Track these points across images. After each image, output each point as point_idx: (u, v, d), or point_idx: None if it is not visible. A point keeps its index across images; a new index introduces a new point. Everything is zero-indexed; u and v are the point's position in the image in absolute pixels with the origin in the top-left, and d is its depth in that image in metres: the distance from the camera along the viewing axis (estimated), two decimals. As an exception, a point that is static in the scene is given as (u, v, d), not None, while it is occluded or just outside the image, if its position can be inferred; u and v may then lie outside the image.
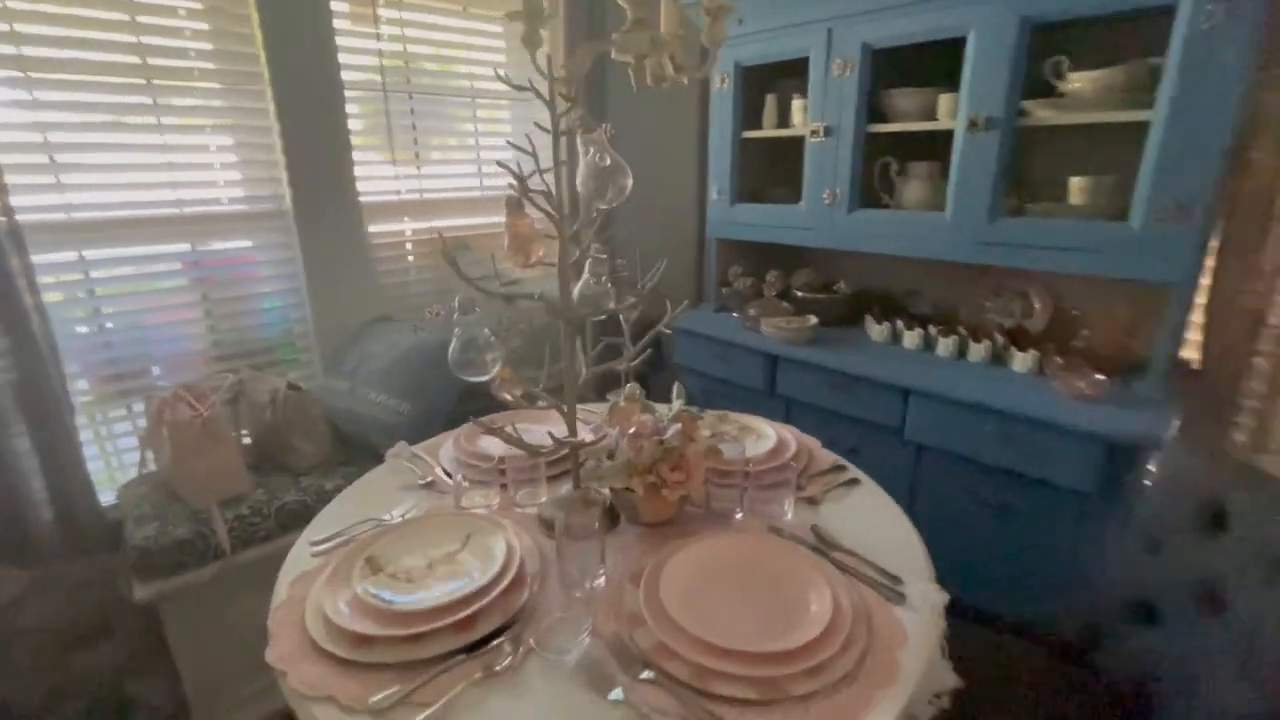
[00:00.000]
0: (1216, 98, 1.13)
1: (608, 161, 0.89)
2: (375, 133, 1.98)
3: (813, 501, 1.09)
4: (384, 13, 1.88)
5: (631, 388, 1.05)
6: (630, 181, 0.91)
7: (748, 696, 0.68)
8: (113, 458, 1.66)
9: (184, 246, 1.67)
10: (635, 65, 0.91)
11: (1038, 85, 1.38)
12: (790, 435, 1.25)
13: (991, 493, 1.42)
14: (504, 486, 1.11)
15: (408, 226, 2.14)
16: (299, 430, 1.62)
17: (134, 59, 1.52)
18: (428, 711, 0.68)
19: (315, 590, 0.85)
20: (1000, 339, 1.62)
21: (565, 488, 1.09)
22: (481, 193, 2.31)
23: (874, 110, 1.65)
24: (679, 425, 0.99)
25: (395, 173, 2.06)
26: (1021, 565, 1.40)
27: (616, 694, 0.69)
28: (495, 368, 1.08)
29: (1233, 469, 0.94)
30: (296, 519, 1.50)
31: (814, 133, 1.71)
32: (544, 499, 1.10)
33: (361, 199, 1.93)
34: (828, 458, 1.23)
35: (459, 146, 2.23)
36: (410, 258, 2.17)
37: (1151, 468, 1.07)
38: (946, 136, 1.53)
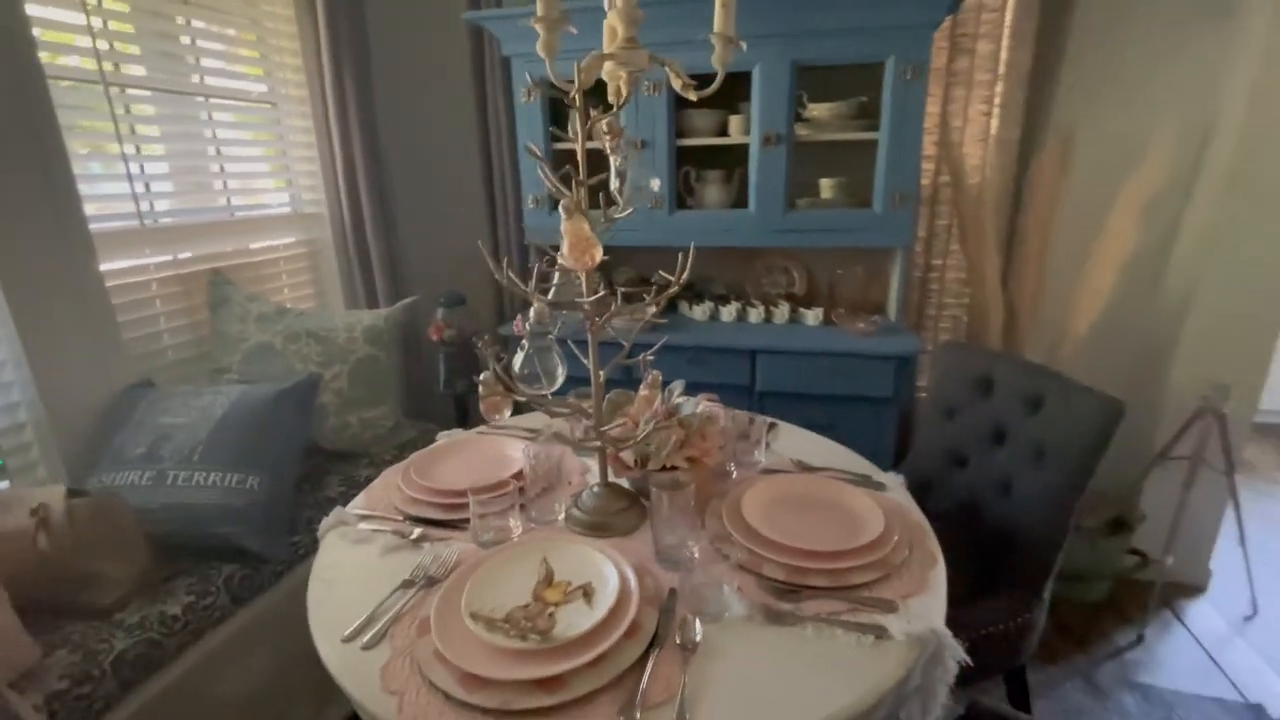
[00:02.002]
0: (914, 124, 1.73)
1: (634, 166, 0.96)
2: (103, 140, 1.49)
3: (768, 445, 1.33)
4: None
5: (655, 376, 1.12)
6: (657, 183, 0.99)
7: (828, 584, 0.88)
8: None
9: None
10: (627, 79, 0.99)
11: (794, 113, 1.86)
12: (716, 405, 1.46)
13: (822, 415, 1.88)
14: (523, 506, 1.06)
15: (150, 260, 1.65)
16: (101, 551, 1.18)
17: None
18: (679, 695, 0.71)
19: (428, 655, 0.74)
20: (785, 304, 2.11)
21: (584, 491, 1.09)
22: (231, 215, 1.91)
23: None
24: (699, 404, 1.11)
25: (129, 190, 1.57)
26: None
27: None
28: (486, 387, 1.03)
29: (986, 354, 1.51)
30: (149, 664, 1.12)
31: (633, 145, 1.93)
32: (560, 511, 1.09)
33: (93, 227, 1.44)
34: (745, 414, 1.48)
35: (194, 155, 1.79)
36: (157, 301, 1.68)
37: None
38: (733, 149, 1.93)
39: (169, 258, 1.69)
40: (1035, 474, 1.33)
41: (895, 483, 1.18)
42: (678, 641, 0.79)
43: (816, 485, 1.13)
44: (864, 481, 1.17)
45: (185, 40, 1.74)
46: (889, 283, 2.04)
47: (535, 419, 1.51)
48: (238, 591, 1.30)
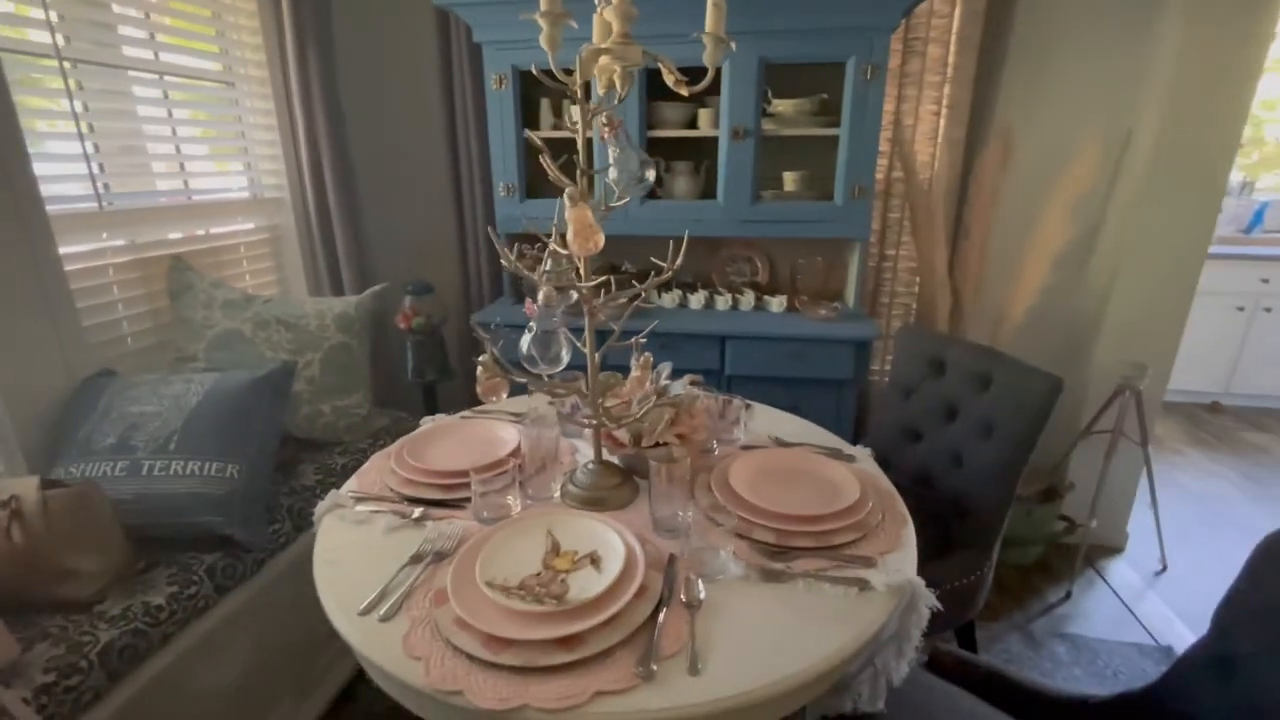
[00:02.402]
0: (873, 121, 1.84)
1: (636, 154, 1.00)
2: (62, 117, 1.42)
3: (745, 424, 1.41)
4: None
5: (647, 358, 1.17)
6: (653, 173, 1.04)
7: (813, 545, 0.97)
8: None
9: None
10: (621, 73, 1.04)
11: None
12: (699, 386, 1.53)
13: (787, 397, 1.98)
14: (521, 484, 1.10)
15: (108, 245, 1.59)
16: (77, 544, 1.15)
17: None
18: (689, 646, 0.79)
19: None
20: (750, 292, 2.20)
21: (578, 469, 1.14)
22: (189, 199, 1.85)
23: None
24: (686, 384, 1.18)
25: (85, 171, 1.51)
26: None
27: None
28: (485, 371, 1.06)
29: (939, 338, 1.63)
30: (135, 655, 1.11)
31: (604, 136, 1.96)
32: (556, 488, 1.13)
33: (49, 209, 1.38)
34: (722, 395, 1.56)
35: (149, 136, 1.73)
36: (115, 288, 1.62)
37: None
38: (702, 141, 2.00)
39: (125, 242, 1.62)
40: (984, 446, 1.46)
41: (864, 454, 1.28)
42: (683, 600, 0.86)
43: (795, 458, 1.21)
44: (835, 454, 1.27)
45: (138, 14, 1.66)
46: (847, 272, 2.16)
47: (518, 403, 1.54)
48: (220, 581, 1.28)
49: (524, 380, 1.07)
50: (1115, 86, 1.97)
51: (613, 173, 1.01)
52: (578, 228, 0.94)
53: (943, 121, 2.06)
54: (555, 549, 0.94)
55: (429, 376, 2.29)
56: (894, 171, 2.14)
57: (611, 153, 1.01)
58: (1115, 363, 2.09)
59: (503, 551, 0.92)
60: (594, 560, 0.91)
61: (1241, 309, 3.49)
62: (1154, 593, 2.10)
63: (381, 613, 0.85)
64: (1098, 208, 2.07)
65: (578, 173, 0.98)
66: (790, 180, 2.09)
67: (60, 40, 1.43)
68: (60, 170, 1.46)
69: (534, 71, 1.10)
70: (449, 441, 1.29)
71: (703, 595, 0.86)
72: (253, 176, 2.04)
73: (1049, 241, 2.04)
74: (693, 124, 2.02)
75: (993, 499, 1.43)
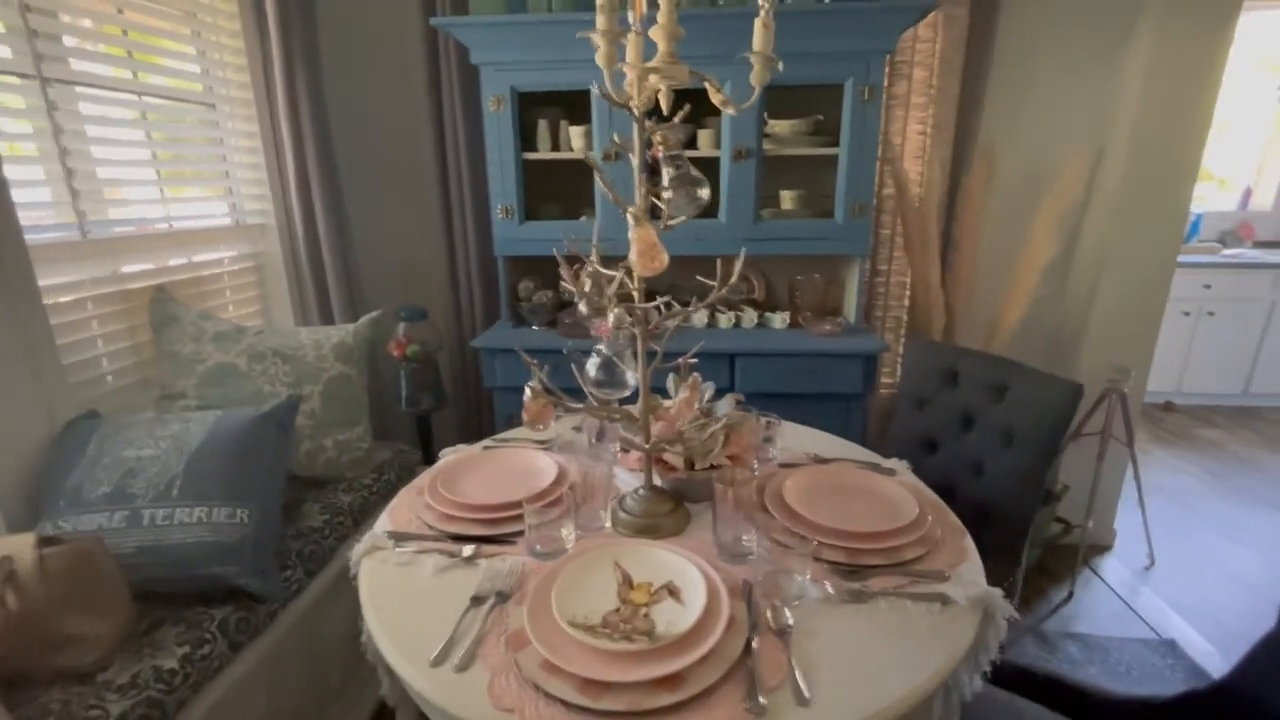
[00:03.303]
0: (871, 140, 1.89)
1: (691, 173, 0.99)
2: (37, 139, 1.31)
3: (777, 441, 1.40)
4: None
5: (695, 378, 1.15)
6: (707, 192, 1.02)
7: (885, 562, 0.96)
8: None
9: None
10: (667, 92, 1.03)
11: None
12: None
13: (797, 413, 1.98)
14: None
15: (87, 276, 1.48)
16: (78, 606, 1.04)
17: None
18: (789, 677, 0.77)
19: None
20: (751, 309, 2.21)
21: (626, 496, 1.10)
22: (170, 226, 1.75)
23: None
24: (732, 403, 1.16)
25: (67, 197, 1.40)
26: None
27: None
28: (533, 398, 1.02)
29: (951, 350, 1.67)
30: None
31: (606, 157, 1.95)
32: (606, 518, 1.09)
33: (28, 238, 1.27)
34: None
35: (129, 160, 1.63)
36: (94, 323, 1.50)
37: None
38: (702, 162, 2.01)
39: (106, 273, 1.51)
40: (1005, 453, 1.49)
41: (902, 467, 1.29)
42: (772, 628, 0.83)
43: (840, 474, 1.21)
44: (874, 468, 1.27)
45: (116, 31, 1.57)
46: (845, 287, 2.19)
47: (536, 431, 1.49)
48: (234, 636, 1.18)
49: (577, 407, 1.03)
50: (1086, 110, 2.09)
51: (667, 193, 1.00)
52: (642, 248, 0.92)
53: (929, 141, 2.14)
54: (628, 581, 0.90)
55: (424, 406, 2.20)
56: (885, 189, 2.20)
57: (666, 173, 1.00)
58: (1099, 367, 2.18)
59: (572, 588, 0.88)
60: (672, 591, 0.87)
61: (1187, 314, 3.73)
62: (1147, 588, 2.18)
63: (456, 661, 0.79)
64: (1077, 222, 2.18)
65: (637, 193, 0.95)
66: (788, 199, 2.12)
67: (34, 57, 1.33)
68: (36, 197, 1.35)
69: (595, 90, 1.08)
70: (481, 473, 1.23)
71: (790, 621, 0.84)
72: (235, 202, 1.94)
73: (1036, 254, 2.13)
74: (692, 144, 2.03)
75: (1018, 504, 1.45)
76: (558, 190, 2.24)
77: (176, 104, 1.74)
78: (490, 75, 1.93)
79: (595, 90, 1.04)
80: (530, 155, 2.05)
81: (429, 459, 2.14)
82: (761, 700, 0.71)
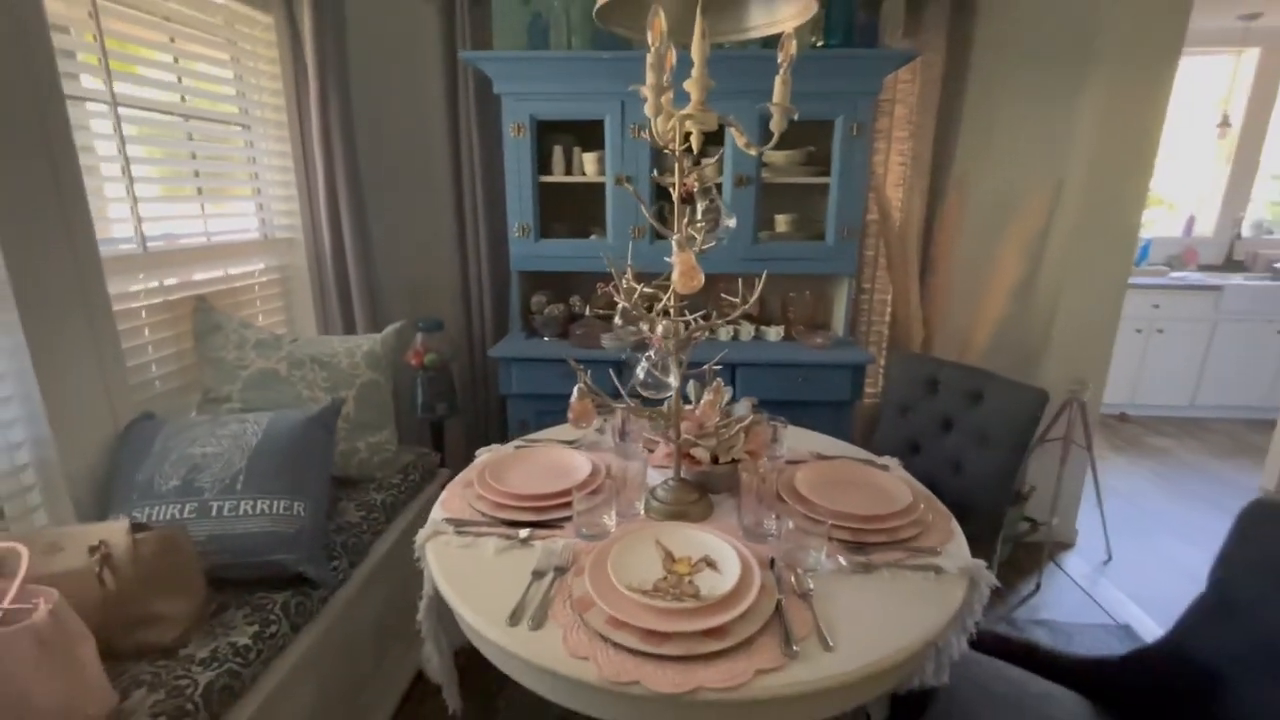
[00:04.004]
0: (860, 171, 2.09)
1: (721, 205, 1.15)
2: (112, 160, 1.42)
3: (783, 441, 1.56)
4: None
5: (719, 383, 1.30)
6: (734, 221, 1.18)
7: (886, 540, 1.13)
8: None
9: None
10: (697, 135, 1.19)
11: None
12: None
13: (792, 419, 2.15)
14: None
15: (141, 286, 1.58)
16: (164, 588, 1.14)
17: None
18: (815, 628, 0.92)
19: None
20: (747, 323, 2.38)
21: (658, 487, 1.24)
22: (208, 239, 1.85)
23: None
24: (749, 406, 1.31)
25: (125, 213, 1.51)
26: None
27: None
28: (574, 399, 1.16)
29: (932, 361, 1.86)
30: (231, 696, 1.12)
31: (618, 181, 2.11)
32: (640, 505, 1.23)
33: (103, 251, 1.38)
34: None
35: (178, 177, 1.74)
36: (146, 330, 1.60)
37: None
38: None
39: (155, 284, 1.61)
40: (981, 452, 1.67)
41: (894, 464, 1.46)
42: (796, 591, 0.98)
43: (842, 469, 1.37)
44: (870, 464, 1.44)
45: (167, 58, 1.68)
46: (833, 304, 2.38)
47: (559, 431, 1.62)
48: (295, 619, 1.29)
49: (619, 406, 1.18)
50: (1050, 143, 2.32)
51: (699, 222, 1.15)
52: (683, 269, 1.08)
53: (909, 171, 2.35)
54: (670, 556, 1.04)
55: (439, 412, 2.31)
56: (869, 215, 2.40)
57: (700, 204, 1.15)
58: (1061, 379, 2.40)
59: (622, 562, 1.02)
60: (709, 563, 1.02)
61: (1139, 331, 4.02)
62: (1105, 580, 2.39)
63: (530, 621, 0.92)
64: (1040, 247, 2.40)
65: (678, 221, 1.11)
66: (782, 222, 2.30)
67: (109, 84, 1.44)
68: (111, 212, 1.45)
69: (638, 133, 1.23)
70: (523, 468, 1.36)
71: (811, 586, 0.99)
72: (264, 217, 2.05)
73: (1004, 274, 2.34)
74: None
75: (993, 499, 1.63)
76: (567, 211, 2.39)
77: (217, 125, 1.85)
78: (511, 104, 2.08)
79: (608, 121, 1.19)
80: (546, 178, 2.20)
81: (445, 461, 2.25)
82: (794, 647, 0.86)
